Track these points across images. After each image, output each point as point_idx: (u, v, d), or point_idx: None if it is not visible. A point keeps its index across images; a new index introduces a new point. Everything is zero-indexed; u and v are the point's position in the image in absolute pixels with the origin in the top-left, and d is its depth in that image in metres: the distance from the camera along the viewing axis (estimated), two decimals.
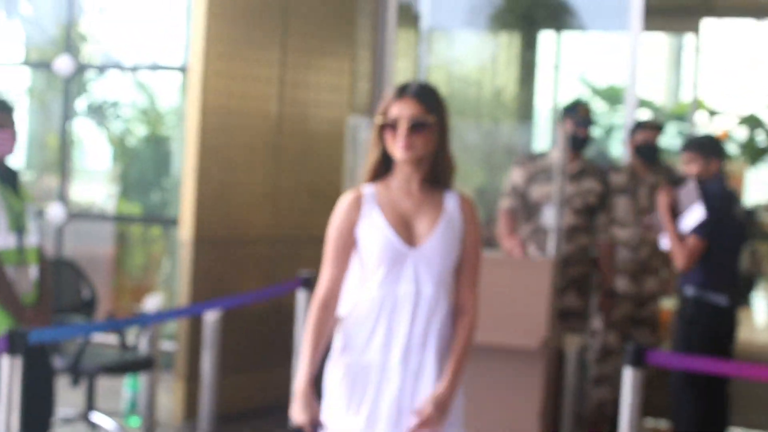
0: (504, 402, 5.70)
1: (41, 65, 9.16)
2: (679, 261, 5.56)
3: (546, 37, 10.86)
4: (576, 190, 6.29)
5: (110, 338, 7.34)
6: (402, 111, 3.22)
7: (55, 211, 8.64)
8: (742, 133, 17.37)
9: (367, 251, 3.31)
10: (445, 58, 9.53)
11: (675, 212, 5.73)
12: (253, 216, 7.18)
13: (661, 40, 13.21)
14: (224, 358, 6.79)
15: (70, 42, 8.74)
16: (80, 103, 9.06)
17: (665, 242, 5.71)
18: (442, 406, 3.22)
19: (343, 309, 3.39)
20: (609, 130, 13.25)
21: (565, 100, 6.80)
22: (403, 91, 3.26)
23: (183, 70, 8.21)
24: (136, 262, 8.94)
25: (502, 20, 9.64)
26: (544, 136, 10.18)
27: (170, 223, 8.51)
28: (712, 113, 17.19)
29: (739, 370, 4.77)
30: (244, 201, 7.11)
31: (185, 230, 6.83)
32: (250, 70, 7.04)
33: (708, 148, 5.89)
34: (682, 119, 12.13)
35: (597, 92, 13.85)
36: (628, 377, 4.26)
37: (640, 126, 6.92)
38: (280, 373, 6.94)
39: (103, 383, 7.13)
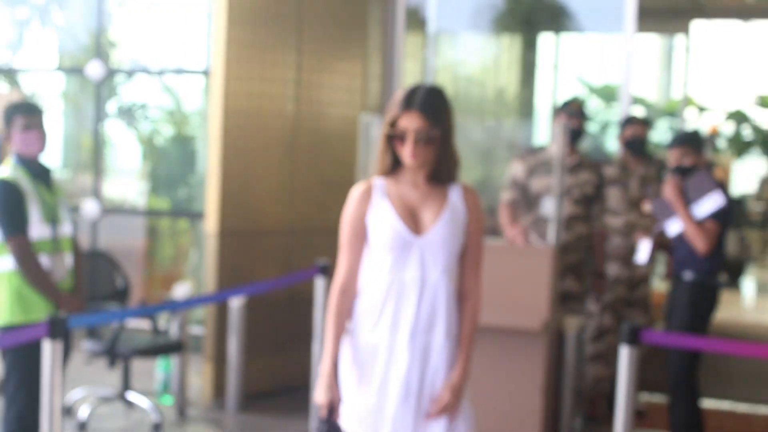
0: (509, 379, 5.72)
1: (74, 70, 9.16)
2: (701, 245, 5.50)
3: (545, 39, 10.84)
4: (574, 181, 6.30)
5: (143, 323, 7.34)
6: (409, 124, 3.23)
7: (89, 207, 8.67)
8: (729, 128, 17.35)
9: (376, 239, 3.33)
10: (451, 60, 9.52)
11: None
12: (272, 209, 7.18)
13: (653, 40, 13.18)
14: (248, 341, 6.83)
15: (100, 48, 8.75)
16: (111, 106, 9.07)
17: (673, 228, 5.66)
18: (458, 393, 3.28)
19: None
20: (604, 126, 13.25)
21: (564, 98, 6.79)
22: (410, 104, 3.24)
23: (206, 73, 8.21)
24: (166, 253, 8.96)
25: (504, 23, 9.63)
26: (544, 132, 10.17)
27: (196, 216, 8.52)
28: (701, 109, 17.17)
29: (737, 348, 4.77)
30: (263, 195, 7.11)
31: (210, 223, 6.85)
32: (267, 73, 7.04)
33: (699, 142, 5.91)
34: (673, 115, 12.11)
35: (593, 90, 13.84)
36: (624, 355, 4.27)
37: (629, 121, 6.92)
38: (300, 355, 6.98)
39: (138, 365, 7.16)
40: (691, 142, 5.89)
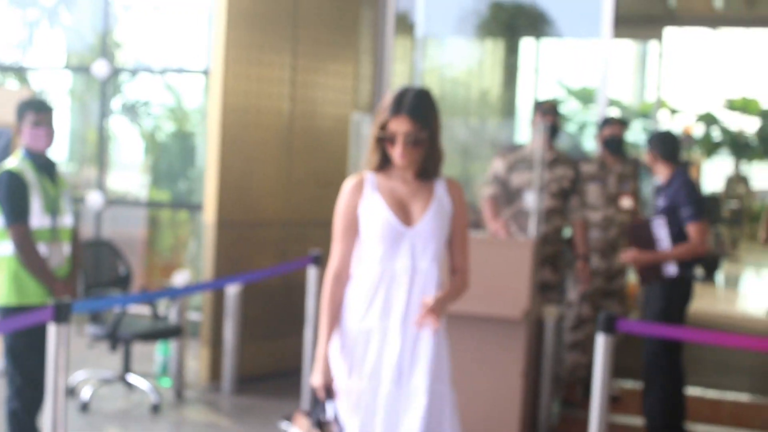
0: (491, 365, 5.70)
1: (80, 69, 9.13)
2: (695, 250, 5.52)
3: (526, 44, 10.85)
4: (551, 176, 6.29)
5: (144, 309, 7.35)
6: (399, 128, 3.25)
7: (94, 198, 8.68)
8: (699, 129, 17.41)
9: (368, 230, 3.33)
10: (438, 62, 9.52)
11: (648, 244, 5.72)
12: (268, 202, 7.16)
13: (628, 46, 13.21)
14: (244, 327, 6.82)
15: (105, 48, 8.75)
16: (115, 103, 9.05)
17: (671, 270, 5.64)
18: (440, 305, 3.27)
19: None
20: (582, 127, 13.27)
21: (543, 99, 6.82)
22: (399, 108, 3.25)
23: (205, 73, 8.20)
24: (166, 242, 8.94)
25: (487, 29, 9.62)
26: (525, 131, 10.18)
27: (195, 208, 8.50)
28: (674, 111, 17.24)
29: (707, 337, 4.77)
30: (259, 188, 7.09)
31: (209, 214, 6.83)
32: (264, 73, 7.03)
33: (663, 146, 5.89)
34: (647, 117, 12.12)
35: (571, 93, 13.88)
36: (601, 343, 4.26)
37: (607, 122, 6.92)
38: (293, 340, 6.97)
39: (138, 349, 7.15)
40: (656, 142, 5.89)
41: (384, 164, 3.35)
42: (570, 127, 13.29)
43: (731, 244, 15.36)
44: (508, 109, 10.26)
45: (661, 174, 5.78)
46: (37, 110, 4.89)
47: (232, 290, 6.66)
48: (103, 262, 6.60)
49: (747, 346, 5.27)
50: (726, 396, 7.32)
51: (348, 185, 3.37)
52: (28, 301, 4.75)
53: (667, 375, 5.66)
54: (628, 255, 5.71)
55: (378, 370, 3.29)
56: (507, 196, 6.42)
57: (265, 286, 6.99)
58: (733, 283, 14.20)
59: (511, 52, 10.58)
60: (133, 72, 9.07)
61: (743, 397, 7.32)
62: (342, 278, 3.36)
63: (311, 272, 6.13)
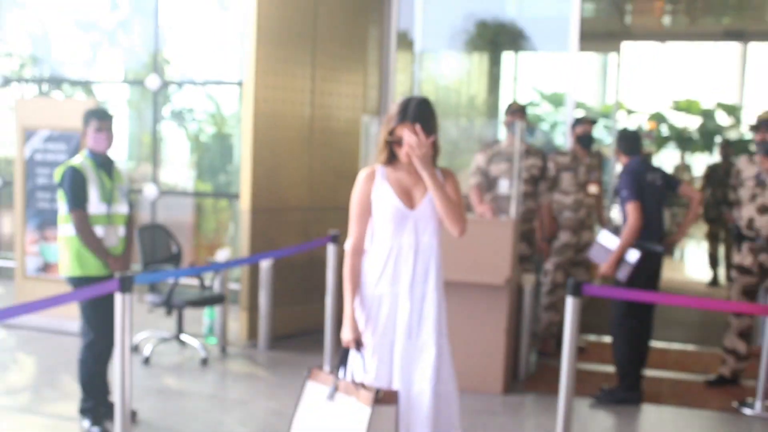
0: (479, 324, 5.75)
1: (136, 82, 9.13)
2: (633, 227, 5.48)
3: (507, 57, 10.81)
4: (523, 165, 6.32)
5: (192, 281, 7.39)
6: (405, 132, 3.26)
7: (149, 190, 8.70)
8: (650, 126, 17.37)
9: (379, 212, 3.35)
10: (433, 73, 9.50)
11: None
12: (293, 191, 7.17)
13: (592, 58, 13.16)
14: (275, 294, 6.85)
15: (157, 65, 8.74)
16: (165, 111, 9.04)
17: (634, 256, 5.55)
18: (427, 148, 3.23)
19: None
20: (554, 125, 13.23)
21: (521, 102, 6.83)
22: (404, 116, 3.26)
23: (240, 84, 8.21)
24: (210, 226, 8.95)
25: (474, 44, 9.60)
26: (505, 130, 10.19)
27: (233, 197, 8.52)
28: (630, 112, 17.18)
29: (666, 299, 4.77)
30: (286, 180, 7.10)
31: (244, 202, 6.84)
32: (289, 84, 7.02)
33: (623, 142, 5.89)
34: (608, 117, 12.09)
35: (544, 97, 13.80)
36: (570, 304, 4.28)
37: (579, 121, 6.92)
38: (316, 305, 7.01)
39: (189, 313, 7.21)
40: (621, 140, 5.89)
41: (391, 159, 3.38)
42: (544, 126, 13.27)
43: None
44: (491, 111, 10.25)
45: (622, 165, 5.81)
46: (100, 118, 4.93)
47: (265, 264, 6.69)
48: (158, 242, 6.63)
49: (689, 305, 5.30)
50: (672, 346, 7.38)
51: (362, 176, 3.38)
52: (90, 273, 4.84)
53: (630, 331, 5.68)
54: (601, 271, 5.68)
55: (391, 328, 3.32)
56: (487, 183, 6.48)
57: (291, 260, 7.01)
58: (681, 254, 14.21)
59: (494, 64, 10.55)
60: (180, 84, 9.08)
61: (687, 347, 7.39)
62: (359, 252, 3.38)
63: (330, 249, 6.14)
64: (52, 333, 6.95)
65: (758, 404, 5.70)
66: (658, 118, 17.23)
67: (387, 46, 8.10)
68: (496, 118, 9.48)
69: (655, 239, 5.60)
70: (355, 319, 3.33)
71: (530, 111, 14.22)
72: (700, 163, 16.38)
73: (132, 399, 4.10)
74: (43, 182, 7.19)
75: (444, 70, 9.93)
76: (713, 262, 10.81)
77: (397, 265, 3.33)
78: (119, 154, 9.36)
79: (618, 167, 7.33)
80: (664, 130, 17.00)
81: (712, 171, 10.30)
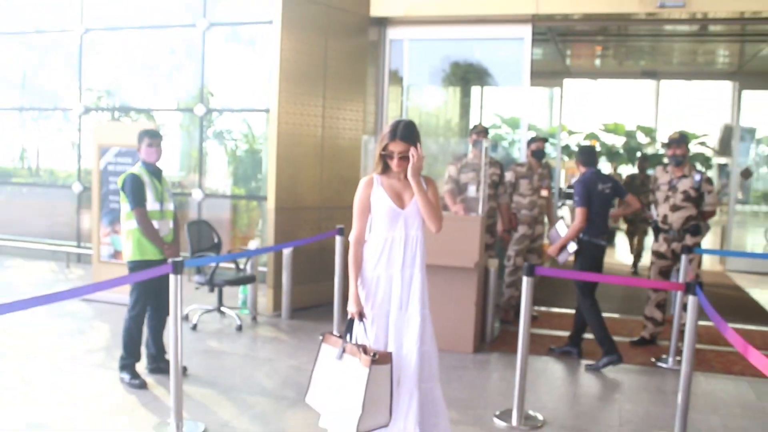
0: (455, 297, 5.71)
1: (186, 110, 9.09)
2: (577, 227, 5.43)
3: (475, 90, 10.82)
4: (487, 173, 6.30)
5: (230, 265, 7.35)
6: (395, 148, 3.24)
7: (196, 194, 8.68)
8: (586, 144, 17.36)
9: (376, 212, 3.32)
10: (417, 103, 9.48)
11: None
12: (308, 194, 7.14)
13: (540, 91, 13.16)
14: (294, 275, 6.82)
15: (203, 96, 8.71)
16: (209, 132, 9.02)
17: (572, 247, 5.51)
18: (420, 163, 3.21)
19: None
20: (511, 143, 13.23)
21: (484, 125, 6.82)
22: (394, 135, 3.23)
23: (267, 111, 8.17)
24: (243, 222, 8.92)
25: (449, 80, 9.58)
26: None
27: (262, 199, 8.47)
28: (570, 132, 17.18)
29: (601, 278, 4.75)
30: (302, 186, 7.06)
31: (270, 203, 6.81)
32: (305, 111, 7.00)
33: (581, 155, 5.78)
34: (553, 136, 12.07)
35: (504, 121, 13.80)
36: (526, 282, 4.26)
37: (534, 139, 6.88)
38: (326, 284, 6.98)
39: (227, 290, 7.17)
40: (579, 155, 5.77)
41: (385, 169, 3.34)
42: (503, 144, 13.26)
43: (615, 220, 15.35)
44: (463, 132, 10.23)
45: (580, 174, 5.69)
46: (151, 136, 4.89)
47: (286, 251, 6.67)
48: (203, 235, 6.59)
49: (618, 283, 5.27)
50: (605, 315, 7.31)
51: (362, 182, 3.35)
52: (147, 258, 4.81)
53: (593, 308, 5.52)
54: (550, 251, 5.63)
55: (387, 301, 3.29)
56: (458, 189, 6.47)
57: (307, 249, 6.99)
58: (612, 244, 14.21)
59: (465, 95, 10.54)
60: (220, 111, 9.04)
61: (614, 316, 7.36)
62: (360, 242, 3.34)
63: (337, 240, 6.12)
64: (120, 306, 6.91)
65: (670, 360, 5.69)
66: (592, 137, 17.24)
67: (381, 82, 8.08)
68: (467, 137, 9.54)
69: (601, 235, 5.56)
70: (357, 296, 3.30)
71: (493, 132, 14.24)
72: (625, 173, 16.41)
73: (183, 357, 4.06)
74: (114, 188, 7.14)
75: (426, 100, 9.92)
76: (632, 251, 10.80)
77: (390, 253, 3.29)
78: (172, 165, 9.33)
79: (563, 175, 7.28)
80: (597, 147, 17.00)
81: (630, 179, 10.27)
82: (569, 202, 12.46)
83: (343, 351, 3.24)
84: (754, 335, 6.64)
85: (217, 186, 9.00)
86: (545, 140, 6.93)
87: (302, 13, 6.90)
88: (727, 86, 13.16)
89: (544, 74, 11.68)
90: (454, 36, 7.95)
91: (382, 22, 7.95)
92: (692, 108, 17.94)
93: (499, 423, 4.27)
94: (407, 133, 3.25)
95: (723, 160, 14.85)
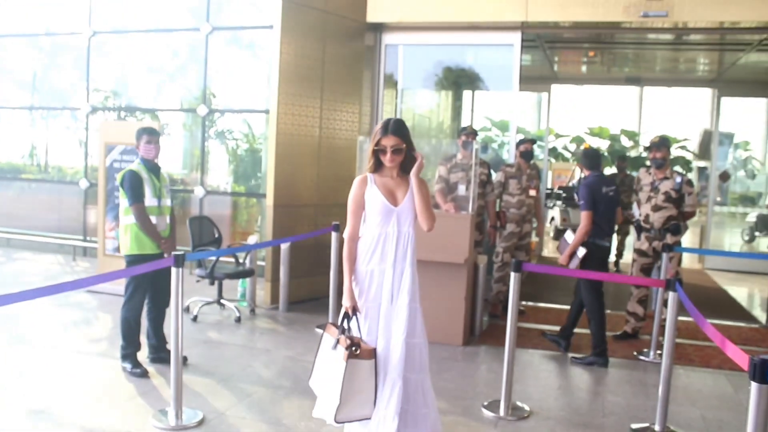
0: (446, 291, 5.69)
1: (189, 110, 9.05)
2: (583, 231, 5.30)
3: (466, 94, 10.80)
4: (476, 173, 6.28)
5: (230, 259, 7.31)
6: (387, 142, 3.20)
7: (198, 190, 8.64)
8: (572, 146, 17.36)
9: (369, 208, 3.29)
10: (411, 105, 9.46)
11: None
12: (306, 192, 7.10)
13: (529, 95, 13.14)
14: (291, 269, 6.78)
15: (205, 97, 8.67)
16: (211, 131, 8.98)
17: (581, 252, 5.36)
18: (420, 167, 3.23)
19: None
20: (501, 145, 13.23)
21: (475, 128, 6.81)
22: (386, 130, 3.20)
23: (266, 112, 8.12)
24: (243, 217, 8.89)
25: (442, 84, 9.56)
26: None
27: (261, 196, 8.43)
28: (558, 135, 17.17)
29: (585, 274, 4.73)
30: (300, 183, 7.03)
31: (269, 200, 6.78)
32: (303, 112, 6.96)
33: (585, 159, 5.67)
34: (541, 139, 12.06)
35: (494, 124, 13.82)
36: (513, 277, 4.24)
37: (523, 141, 6.86)
38: (321, 278, 6.92)
39: (227, 283, 7.12)
40: (583, 158, 5.66)
41: (378, 167, 3.30)
42: (494, 145, 13.26)
43: None
44: (455, 134, 10.23)
45: (584, 176, 5.55)
46: (149, 134, 4.84)
47: (284, 246, 6.62)
48: (204, 229, 6.55)
49: (600, 279, 5.25)
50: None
51: (357, 181, 3.31)
52: (145, 252, 4.76)
53: (601, 309, 5.41)
54: (560, 260, 5.46)
55: (379, 294, 3.26)
56: (448, 188, 6.43)
57: (304, 244, 6.94)
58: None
59: (457, 99, 10.52)
60: (222, 112, 8.99)
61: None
62: (354, 238, 3.30)
63: (333, 236, 6.10)
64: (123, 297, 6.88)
65: (651, 353, 5.68)
66: (578, 140, 17.23)
67: (377, 85, 8.04)
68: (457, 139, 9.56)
69: (605, 237, 5.47)
70: (351, 290, 3.27)
71: (484, 134, 14.21)
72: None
73: (183, 347, 4.02)
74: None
75: (419, 103, 9.90)
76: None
77: (383, 248, 3.26)
78: (176, 163, 9.29)
79: (550, 176, 7.25)
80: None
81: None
82: (559, 203, 12.40)
83: (337, 342, 3.22)
84: (731, 330, 6.63)
85: (218, 183, 8.97)
86: (533, 142, 6.90)
87: (301, 19, 6.86)
88: (706, 93, 13.18)
89: (533, 79, 11.65)
90: (446, 42, 7.92)
91: (378, 28, 7.91)
92: (673, 113, 17.97)
93: (487, 413, 4.25)
94: (398, 127, 3.23)
95: (702, 164, 14.86)
